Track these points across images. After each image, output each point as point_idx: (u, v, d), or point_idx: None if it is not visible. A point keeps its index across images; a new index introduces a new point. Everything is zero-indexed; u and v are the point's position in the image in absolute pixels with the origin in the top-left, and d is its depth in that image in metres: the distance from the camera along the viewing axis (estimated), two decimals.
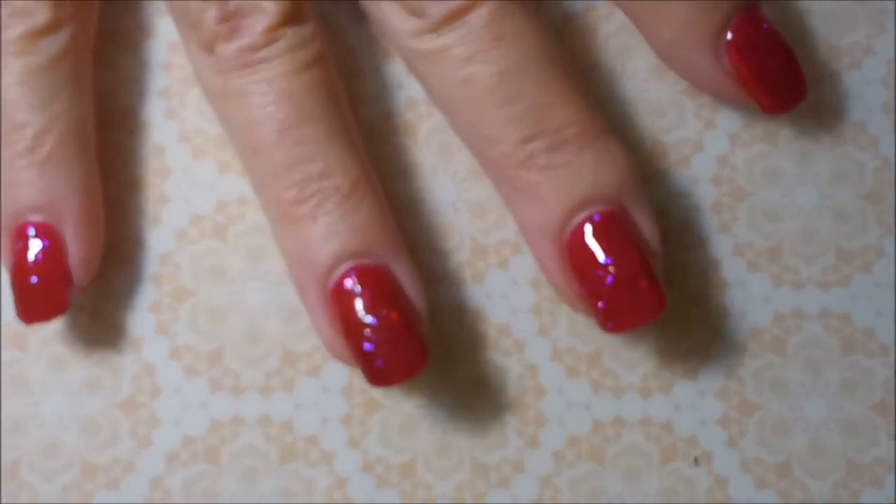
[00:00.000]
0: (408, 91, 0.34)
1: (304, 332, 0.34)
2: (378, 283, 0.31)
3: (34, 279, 0.31)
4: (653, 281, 0.30)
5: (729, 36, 0.32)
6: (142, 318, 0.34)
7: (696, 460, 0.34)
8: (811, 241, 0.34)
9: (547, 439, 0.34)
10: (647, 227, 0.31)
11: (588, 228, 0.31)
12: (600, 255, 0.30)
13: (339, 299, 0.31)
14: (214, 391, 0.34)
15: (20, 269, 0.31)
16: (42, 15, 0.31)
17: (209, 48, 0.31)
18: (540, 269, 0.32)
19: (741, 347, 0.34)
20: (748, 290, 0.34)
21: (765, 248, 0.34)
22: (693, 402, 0.34)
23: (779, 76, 0.32)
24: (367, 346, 0.30)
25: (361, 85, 0.34)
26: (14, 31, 0.31)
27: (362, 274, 0.31)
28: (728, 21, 0.31)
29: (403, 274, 0.31)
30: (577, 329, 0.34)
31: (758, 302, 0.34)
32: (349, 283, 0.31)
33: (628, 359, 0.34)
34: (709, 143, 0.34)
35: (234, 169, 0.34)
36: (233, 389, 0.34)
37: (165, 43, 0.35)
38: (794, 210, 0.34)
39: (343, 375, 0.34)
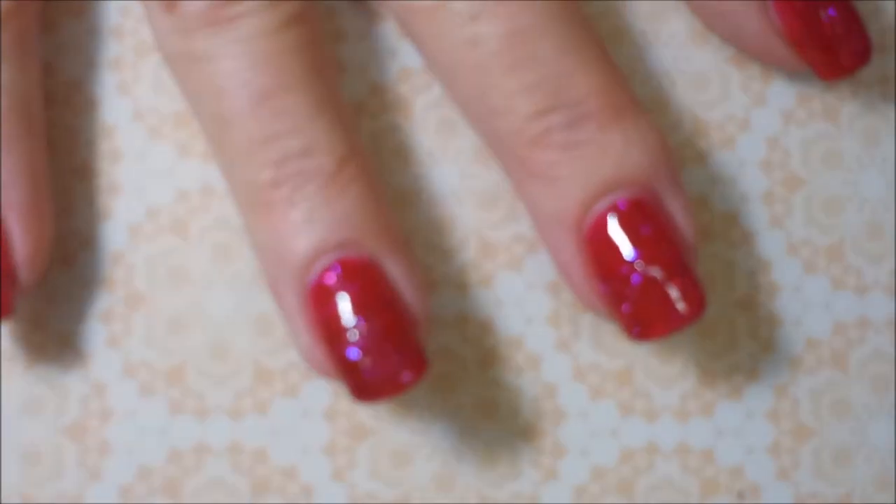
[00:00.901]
0: (401, 59, 0.32)
1: (279, 346, 0.32)
2: (367, 280, 0.29)
3: None
4: (689, 280, 0.29)
5: None
6: (90, 329, 0.32)
7: (741, 495, 0.32)
8: (878, 238, 0.33)
9: (567, 471, 0.32)
10: (682, 218, 0.29)
11: (612, 217, 0.29)
12: (626, 249, 0.29)
13: (320, 298, 0.29)
14: (175, 414, 0.32)
15: None
16: None
17: (171, 6, 0.29)
18: (555, 267, 0.30)
19: (795, 362, 0.32)
20: (804, 295, 0.32)
21: (823, 245, 0.32)
22: (738, 426, 0.32)
23: (836, 34, 0.30)
24: (352, 353, 0.28)
25: (344, 51, 0.32)
26: None
27: (348, 268, 0.29)
28: None
29: (399, 270, 0.29)
30: (603, 342, 0.32)
31: (815, 309, 0.32)
32: (332, 279, 0.29)
33: (663, 376, 0.32)
34: (758, 122, 0.32)
35: (197, 153, 0.32)
36: (196, 412, 0.32)
37: (116, 5, 0.32)
38: (858, 201, 0.33)
39: (326, 396, 0.32)
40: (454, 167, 0.32)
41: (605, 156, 0.29)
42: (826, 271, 0.32)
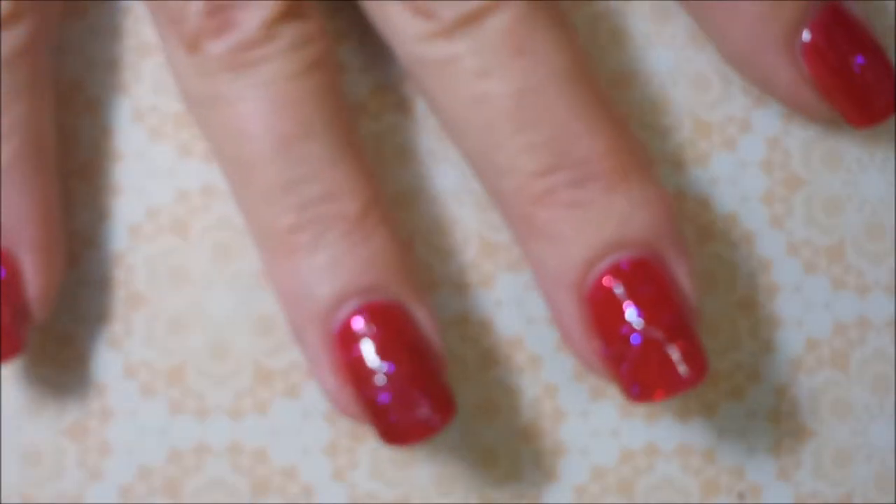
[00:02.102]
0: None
1: (279, 346, 0.32)
2: (393, 324, 0.29)
3: None
4: (691, 343, 0.28)
5: (806, 36, 0.29)
6: (90, 330, 0.32)
7: (741, 495, 0.32)
8: (878, 239, 0.32)
9: (567, 471, 0.32)
10: (685, 281, 0.29)
11: (614, 277, 0.28)
12: (627, 310, 0.28)
13: (346, 343, 0.29)
14: (175, 414, 0.32)
15: None
16: None
17: (193, 46, 0.29)
18: (556, 327, 0.30)
19: (796, 362, 0.32)
20: (804, 296, 0.32)
21: (824, 245, 0.32)
22: (739, 426, 0.32)
23: (866, 82, 0.30)
24: (381, 398, 0.28)
25: (345, 52, 0.32)
26: None
27: (373, 313, 0.29)
28: (804, 17, 0.29)
29: (422, 314, 0.29)
30: None
31: (815, 309, 0.32)
32: (358, 323, 0.29)
33: None
34: (758, 122, 0.32)
35: (197, 153, 0.32)
36: (196, 412, 0.31)
37: (116, 5, 0.32)
38: (858, 201, 0.32)
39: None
40: (454, 167, 0.32)
41: (610, 216, 0.29)
42: (826, 271, 0.32)
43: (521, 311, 0.32)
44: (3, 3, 0.29)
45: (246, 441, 0.31)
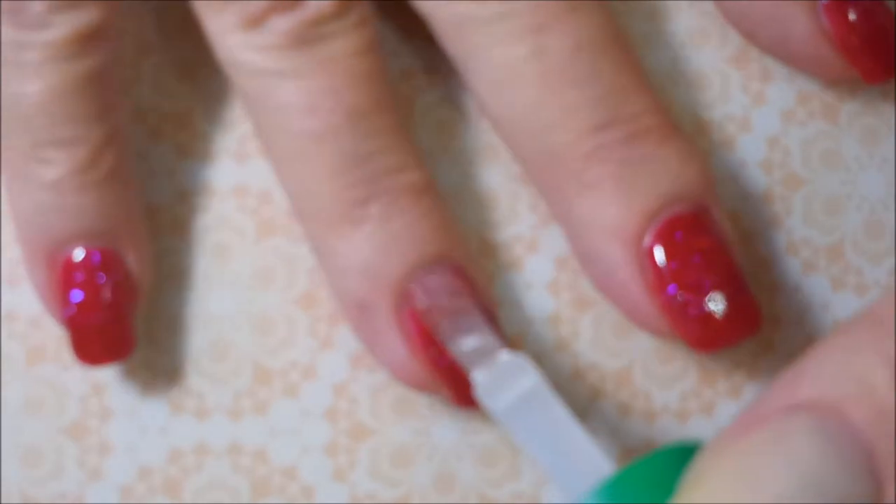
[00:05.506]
0: (402, 59, 0.32)
1: (278, 346, 0.32)
2: (459, 289, 0.30)
3: (105, 316, 0.30)
4: (747, 292, 0.29)
5: None
6: None
7: None
8: (878, 238, 0.32)
9: None
10: (730, 233, 0.30)
11: (674, 229, 0.29)
12: (691, 261, 0.29)
13: (418, 315, 0.29)
14: (175, 414, 0.31)
15: (89, 307, 0.30)
16: (93, 13, 0.29)
17: (255, 22, 0.29)
18: (606, 285, 0.30)
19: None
20: (803, 295, 0.32)
21: (823, 245, 0.32)
22: None
23: (884, 36, 0.30)
24: (451, 363, 0.29)
25: None
26: (59, 30, 0.29)
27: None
28: None
29: (477, 276, 0.30)
30: (603, 342, 0.32)
31: (815, 308, 0.32)
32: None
33: (663, 376, 0.32)
34: (758, 122, 0.32)
35: (197, 153, 0.32)
36: (196, 412, 0.31)
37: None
38: (857, 200, 0.32)
39: (326, 396, 0.32)
40: (454, 167, 0.32)
41: (663, 170, 0.29)
42: (826, 271, 0.32)
43: (521, 311, 0.31)
44: (94, 9, 0.29)
45: (246, 441, 0.31)
